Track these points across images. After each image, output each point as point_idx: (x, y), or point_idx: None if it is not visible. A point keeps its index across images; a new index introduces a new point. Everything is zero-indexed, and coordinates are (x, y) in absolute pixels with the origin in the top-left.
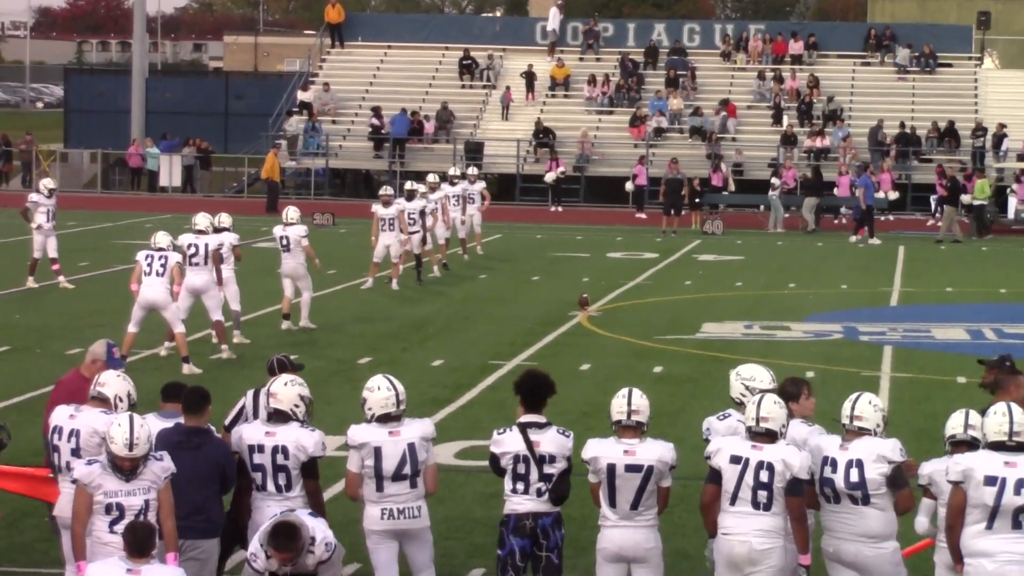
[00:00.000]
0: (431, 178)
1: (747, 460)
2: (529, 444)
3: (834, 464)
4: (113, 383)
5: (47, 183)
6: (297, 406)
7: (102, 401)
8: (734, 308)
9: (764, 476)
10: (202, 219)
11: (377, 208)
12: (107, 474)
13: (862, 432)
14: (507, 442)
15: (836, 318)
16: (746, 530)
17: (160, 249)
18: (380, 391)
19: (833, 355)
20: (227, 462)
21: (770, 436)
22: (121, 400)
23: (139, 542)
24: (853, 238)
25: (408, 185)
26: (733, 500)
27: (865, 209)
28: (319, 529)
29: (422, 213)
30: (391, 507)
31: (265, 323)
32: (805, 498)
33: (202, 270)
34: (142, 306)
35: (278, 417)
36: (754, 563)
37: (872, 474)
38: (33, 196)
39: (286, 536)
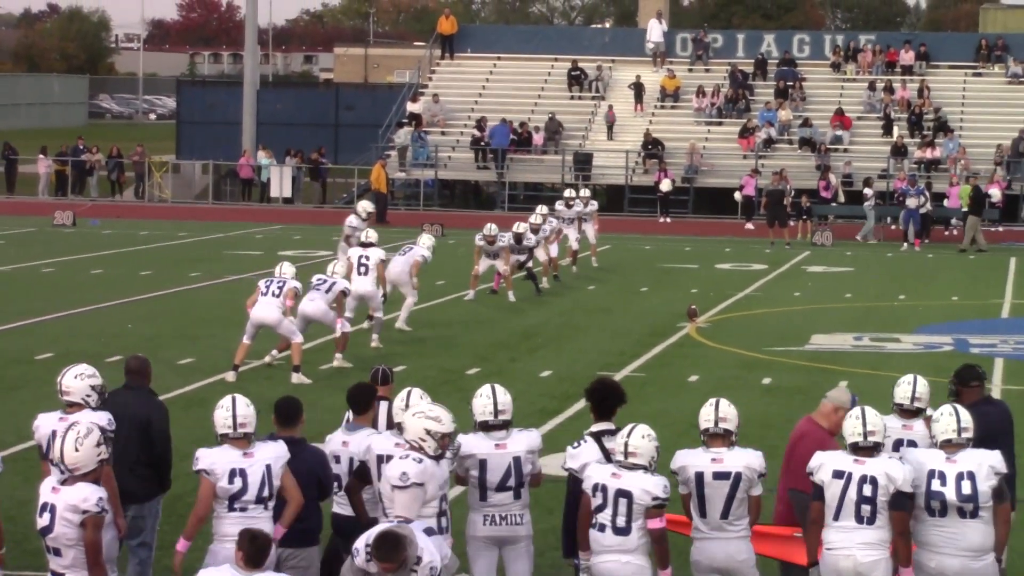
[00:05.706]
0: (541, 209)
1: (850, 474)
2: (605, 453)
3: (943, 477)
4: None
5: (365, 206)
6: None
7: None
8: (844, 319)
9: (867, 490)
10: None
11: (482, 244)
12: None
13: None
14: (584, 454)
15: (946, 330)
16: (850, 544)
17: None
18: (480, 398)
19: (944, 367)
20: (322, 471)
21: (875, 449)
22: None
23: (258, 552)
24: None
25: (516, 228)
26: (837, 515)
27: None
28: (428, 551)
29: (530, 251)
30: (494, 514)
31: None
32: (909, 512)
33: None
34: (254, 324)
35: None
36: None
37: (983, 486)
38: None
39: (389, 546)
